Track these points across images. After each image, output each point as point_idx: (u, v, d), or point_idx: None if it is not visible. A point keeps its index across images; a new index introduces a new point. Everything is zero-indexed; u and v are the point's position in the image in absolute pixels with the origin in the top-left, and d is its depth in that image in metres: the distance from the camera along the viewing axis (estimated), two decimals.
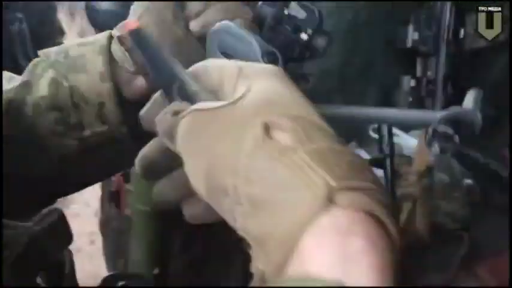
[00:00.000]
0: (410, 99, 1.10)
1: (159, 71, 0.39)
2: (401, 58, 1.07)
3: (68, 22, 1.38)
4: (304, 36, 0.55)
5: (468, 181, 1.06)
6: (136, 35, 0.39)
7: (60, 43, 1.38)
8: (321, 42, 0.56)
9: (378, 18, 1.08)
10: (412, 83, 1.10)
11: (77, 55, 0.60)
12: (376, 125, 1.14)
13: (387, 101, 1.07)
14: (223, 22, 0.54)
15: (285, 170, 0.31)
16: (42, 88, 0.59)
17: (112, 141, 0.60)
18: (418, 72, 1.05)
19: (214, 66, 0.40)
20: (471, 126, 0.43)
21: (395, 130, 1.12)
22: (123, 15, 0.65)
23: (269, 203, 0.31)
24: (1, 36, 1.12)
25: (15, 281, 0.44)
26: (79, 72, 0.59)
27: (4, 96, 0.59)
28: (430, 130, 0.44)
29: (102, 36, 0.62)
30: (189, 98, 0.38)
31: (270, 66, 0.38)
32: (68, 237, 0.52)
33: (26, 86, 0.60)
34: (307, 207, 0.29)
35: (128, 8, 0.67)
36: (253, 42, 0.50)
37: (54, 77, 0.59)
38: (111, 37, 0.62)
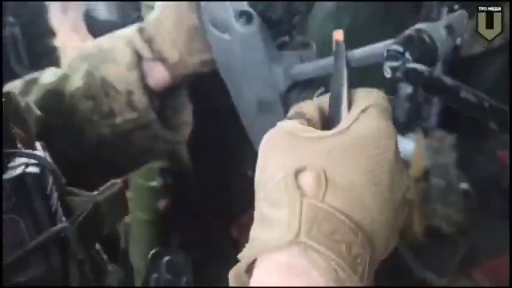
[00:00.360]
0: (408, 105, 1.11)
1: (335, 83, 0.44)
2: None
3: (60, 18, 1.35)
4: None
5: (464, 186, 1.07)
6: (338, 45, 0.44)
7: (51, 44, 1.36)
8: None
9: (375, 21, 1.08)
10: (409, 89, 1.11)
11: (108, 48, 0.65)
12: None
13: None
14: None
15: (285, 208, 0.37)
16: (77, 80, 0.64)
17: (143, 127, 0.64)
18: None
19: (364, 92, 0.43)
20: (431, 44, 0.41)
21: None
22: (122, 25, 0.68)
23: (262, 221, 0.38)
24: (1, 36, 1.10)
25: (79, 246, 0.46)
26: (109, 63, 0.63)
27: (45, 87, 0.64)
28: (385, 53, 0.42)
29: (131, 29, 0.65)
30: (330, 119, 0.42)
31: (388, 126, 0.41)
32: (125, 209, 0.55)
33: (65, 78, 0.64)
34: (275, 242, 0.36)
35: (126, 19, 0.68)
36: (227, 4, 0.52)
37: (88, 69, 0.64)
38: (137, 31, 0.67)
